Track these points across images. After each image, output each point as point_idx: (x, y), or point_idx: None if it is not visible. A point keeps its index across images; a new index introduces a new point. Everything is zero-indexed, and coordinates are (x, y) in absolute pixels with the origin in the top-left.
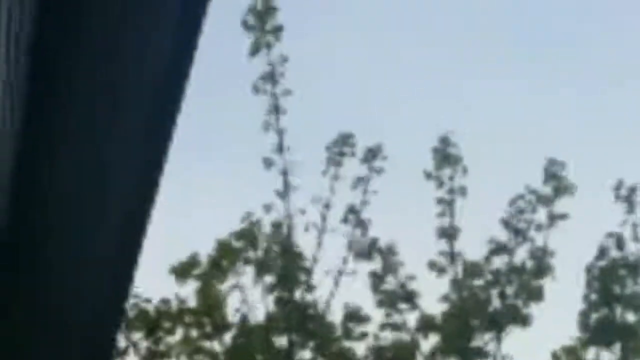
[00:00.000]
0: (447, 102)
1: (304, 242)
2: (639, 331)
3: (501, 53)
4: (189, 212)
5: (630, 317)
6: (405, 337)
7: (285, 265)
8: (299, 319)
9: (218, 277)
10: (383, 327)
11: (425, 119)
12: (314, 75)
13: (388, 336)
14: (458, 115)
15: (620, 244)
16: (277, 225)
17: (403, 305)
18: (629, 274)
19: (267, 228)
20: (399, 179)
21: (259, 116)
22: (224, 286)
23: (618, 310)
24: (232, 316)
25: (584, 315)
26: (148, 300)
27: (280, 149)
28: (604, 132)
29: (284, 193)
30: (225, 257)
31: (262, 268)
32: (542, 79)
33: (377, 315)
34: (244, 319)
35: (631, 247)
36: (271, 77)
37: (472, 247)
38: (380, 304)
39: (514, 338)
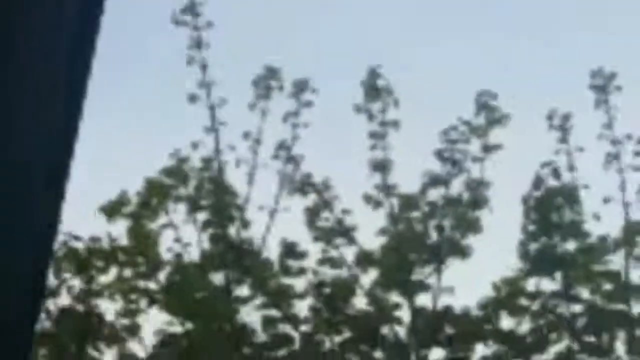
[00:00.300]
0: (375, 33)
1: (236, 178)
2: (579, 260)
3: None
4: (114, 150)
5: (570, 245)
6: (344, 272)
7: (218, 202)
8: (234, 256)
9: (149, 215)
10: (321, 262)
11: (355, 51)
12: (238, 4)
13: (327, 272)
14: (387, 48)
15: (555, 173)
16: (207, 162)
17: (340, 241)
18: (565, 202)
19: (196, 165)
20: (331, 113)
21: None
22: (155, 225)
23: (557, 240)
24: (166, 254)
25: (523, 246)
26: (77, 238)
27: (204, 83)
28: (535, 62)
29: (212, 129)
30: (155, 195)
31: (193, 205)
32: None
33: (315, 251)
34: (178, 257)
35: (567, 176)
36: (192, 8)
37: (407, 180)
38: (317, 239)
39: (454, 270)
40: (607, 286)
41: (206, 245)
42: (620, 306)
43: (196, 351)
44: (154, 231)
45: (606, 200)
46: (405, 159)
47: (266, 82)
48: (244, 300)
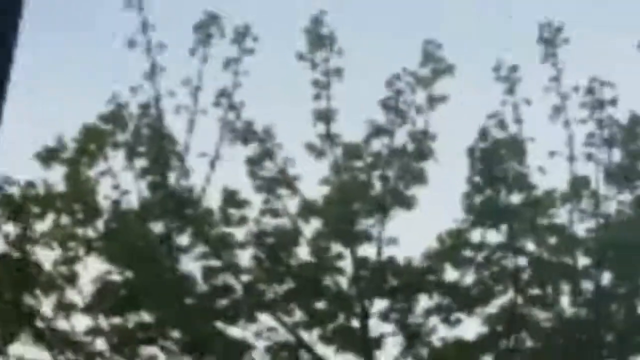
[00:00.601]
0: None
1: (175, 125)
2: (525, 212)
3: None
4: (51, 95)
5: (515, 198)
6: (286, 222)
7: (156, 149)
8: (174, 204)
9: (86, 162)
10: (263, 212)
11: None
12: None
13: (269, 222)
14: None
15: (501, 124)
16: (145, 107)
17: (283, 191)
18: (511, 154)
19: (135, 111)
20: (272, 60)
21: None
22: (93, 172)
23: (502, 192)
24: (104, 202)
25: (468, 197)
26: (12, 183)
27: (144, 28)
28: (483, 14)
29: (151, 74)
30: (93, 141)
31: (131, 152)
32: None
33: (257, 201)
34: (116, 205)
35: (513, 129)
36: None
37: (351, 130)
38: (259, 189)
39: (398, 221)
40: (552, 239)
41: (145, 193)
42: (566, 259)
43: (135, 300)
44: (91, 178)
45: (552, 154)
46: (350, 108)
47: (207, 28)
48: (185, 250)
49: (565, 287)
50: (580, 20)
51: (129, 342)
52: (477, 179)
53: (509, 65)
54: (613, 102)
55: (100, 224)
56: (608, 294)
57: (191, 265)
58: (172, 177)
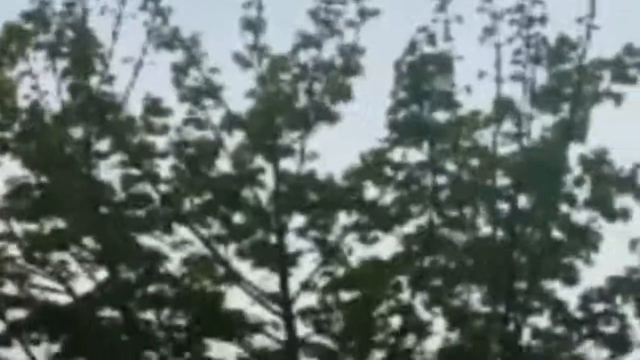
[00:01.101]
0: None
1: (101, 28)
2: (447, 131)
3: None
4: None
5: (440, 116)
6: (209, 134)
7: (79, 51)
8: (95, 109)
9: (6, 62)
10: (186, 122)
11: None
12: None
13: (192, 132)
14: None
15: (431, 39)
16: (69, 6)
17: (207, 101)
18: (438, 71)
19: (59, 10)
20: None
21: None
22: (13, 72)
23: (427, 108)
24: (23, 103)
25: (392, 113)
26: None
27: None
28: None
29: None
30: (14, 41)
31: (54, 52)
32: None
33: (181, 111)
34: (35, 106)
35: (443, 47)
36: None
37: (280, 42)
38: (184, 98)
39: (321, 136)
40: (474, 161)
41: (66, 96)
42: (486, 181)
43: (49, 205)
44: (11, 79)
45: (481, 75)
46: (281, 19)
47: None
48: (104, 156)
49: (483, 208)
50: None
51: (42, 248)
52: (402, 94)
53: None
54: (542, 20)
55: (17, 125)
56: (524, 216)
57: (109, 173)
58: (94, 81)
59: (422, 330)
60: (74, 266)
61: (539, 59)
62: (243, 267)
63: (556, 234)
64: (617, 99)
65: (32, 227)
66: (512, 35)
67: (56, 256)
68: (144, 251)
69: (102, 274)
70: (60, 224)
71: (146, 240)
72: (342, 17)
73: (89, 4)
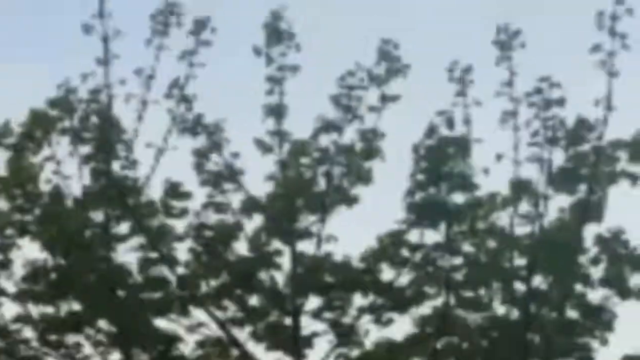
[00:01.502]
0: None
1: (125, 114)
2: (465, 212)
3: None
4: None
5: (458, 198)
6: (228, 217)
7: (102, 136)
8: (116, 193)
9: (31, 147)
10: (206, 206)
11: None
12: None
13: (211, 216)
14: None
15: (449, 122)
16: (95, 93)
17: (228, 185)
18: (457, 153)
19: (84, 97)
20: (228, 54)
21: None
22: (37, 157)
23: (444, 190)
24: (45, 186)
25: (410, 195)
26: None
27: (101, 14)
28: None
29: (104, 61)
30: (39, 127)
31: (77, 138)
32: None
33: (201, 196)
34: (56, 190)
35: (462, 130)
36: None
37: (302, 128)
38: (205, 182)
39: (340, 219)
40: (491, 242)
41: (87, 180)
42: (503, 262)
43: (66, 287)
44: (35, 164)
45: (499, 157)
46: (303, 105)
47: (165, 17)
48: (122, 239)
49: (499, 289)
50: (536, 24)
51: (57, 330)
52: (420, 176)
53: (463, 67)
54: (560, 102)
55: (38, 209)
56: (539, 296)
57: (128, 256)
58: (116, 166)
59: None
60: (88, 349)
61: (557, 140)
62: (258, 349)
63: (571, 313)
64: (633, 179)
65: (49, 309)
66: (530, 118)
67: (71, 338)
68: (159, 334)
69: (116, 357)
70: (76, 306)
71: (162, 323)
72: (363, 103)
73: (114, 91)
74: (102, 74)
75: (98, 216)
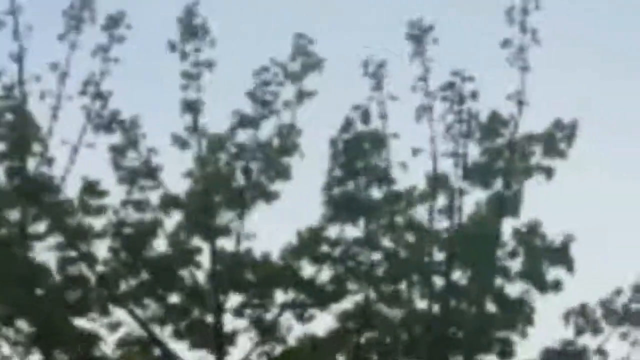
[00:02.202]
0: None
1: (39, 111)
2: (383, 207)
3: None
4: None
5: (376, 193)
6: (147, 215)
7: (17, 133)
8: (32, 191)
9: None
10: (124, 204)
11: None
12: None
13: (130, 214)
14: None
15: (366, 117)
16: (8, 90)
17: (145, 182)
18: (373, 148)
19: None
20: (142, 49)
21: None
22: None
23: (362, 185)
24: None
25: (328, 189)
26: None
27: (12, 10)
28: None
29: (17, 57)
30: None
31: None
32: None
33: (119, 193)
34: None
35: (378, 125)
36: None
37: (218, 123)
38: (122, 180)
39: (260, 215)
40: (410, 236)
41: (2, 178)
42: (422, 256)
43: None
44: None
45: (415, 152)
46: (219, 100)
47: (78, 13)
48: (40, 238)
49: (419, 284)
50: (449, 18)
51: None
52: (337, 171)
53: (377, 61)
54: (473, 96)
55: None
56: (459, 290)
57: (46, 254)
58: (32, 164)
59: None
60: (6, 349)
61: (471, 134)
62: (180, 347)
63: (490, 307)
64: (548, 172)
65: None
66: (444, 112)
67: None
68: (79, 333)
69: (36, 357)
70: None
71: (82, 323)
72: (279, 98)
73: (28, 87)
74: (16, 70)
75: (14, 215)
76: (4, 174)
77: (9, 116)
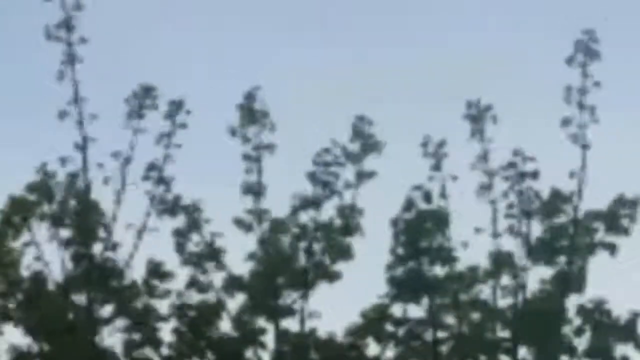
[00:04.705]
0: (248, 55)
1: (103, 197)
2: (446, 286)
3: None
4: None
5: (438, 270)
6: (211, 296)
7: (82, 219)
8: (98, 276)
9: (11, 233)
10: (188, 286)
11: (231, 74)
12: (112, 24)
13: (193, 296)
14: (263, 70)
15: (427, 196)
16: (73, 177)
17: (209, 264)
18: (435, 227)
19: (62, 181)
20: (204, 135)
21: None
22: (17, 243)
23: (425, 264)
24: (26, 271)
25: (391, 269)
26: None
27: (75, 100)
28: (411, 88)
29: (81, 146)
30: (18, 212)
31: (57, 222)
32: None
33: (183, 275)
34: (37, 275)
35: (438, 203)
36: (66, 24)
37: (279, 205)
38: (186, 262)
39: (322, 295)
40: (475, 314)
41: (69, 264)
42: (487, 334)
43: None
44: (14, 249)
45: (477, 230)
46: (280, 183)
47: (140, 100)
48: (106, 321)
49: None
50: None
51: None
52: (400, 250)
53: (437, 141)
54: (534, 175)
55: (20, 294)
56: None
57: (112, 338)
58: (97, 248)
59: None
60: None
61: (532, 212)
62: None
63: None
64: (612, 249)
65: None
66: (505, 190)
67: None
68: None
69: None
70: None
71: None
72: (340, 179)
73: (92, 174)
74: (80, 158)
75: (81, 300)
76: (71, 260)
77: (73, 203)
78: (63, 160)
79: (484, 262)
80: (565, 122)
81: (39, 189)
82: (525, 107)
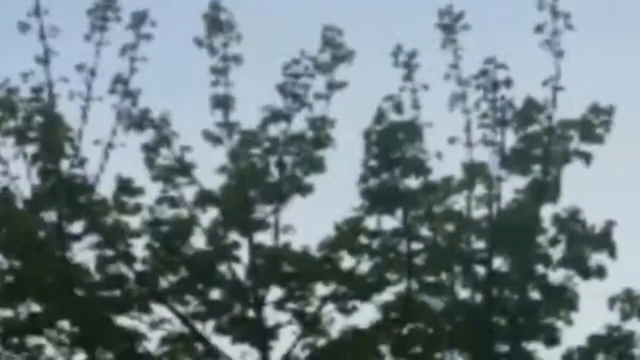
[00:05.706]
0: None
1: (69, 112)
2: (420, 197)
3: None
4: None
5: (411, 183)
6: (183, 211)
7: (48, 134)
8: (66, 192)
9: None
10: (159, 201)
11: None
12: None
13: (165, 211)
14: None
15: (398, 107)
16: (37, 92)
17: (180, 179)
18: (408, 138)
19: (26, 96)
20: (169, 46)
21: None
22: None
23: (398, 175)
24: None
25: (364, 181)
26: None
27: (37, 11)
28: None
29: (44, 59)
30: None
31: (22, 137)
32: None
33: (154, 190)
34: (5, 192)
35: (411, 114)
36: None
37: (249, 117)
38: (156, 178)
39: (296, 209)
40: (449, 226)
41: (36, 180)
42: (461, 245)
43: (23, 289)
44: None
45: (451, 141)
46: (249, 95)
47: (103, 12)
48: (77, 238)
49: (460, 273)
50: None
51: (17, 333)
52: (372, 162)
53: (408, 51)
54: (507, 83)
55: None
56: (500, 278)
57: (84, 254)
58: (64, 165)
59: None
60: (50, 350)
61: (506, 122)
62: (222, 342)
63: (533, 294)
64: (587, 158)
65: (7, 312)
66: (478, 100)
67: (32, 341)
68: (121, 332)
69: (79, 357)
70: (36, 308)
71: (123, 321)
72: (310, 91)
73: (56, 89)
74: (43, 72)
75: (50, 216)
76: (38, 176)
77: (38, 118)
78: (25, 75)
79: (458, 173)
80: (539, 28)
81: (2, 104)
82: (498, 14)
